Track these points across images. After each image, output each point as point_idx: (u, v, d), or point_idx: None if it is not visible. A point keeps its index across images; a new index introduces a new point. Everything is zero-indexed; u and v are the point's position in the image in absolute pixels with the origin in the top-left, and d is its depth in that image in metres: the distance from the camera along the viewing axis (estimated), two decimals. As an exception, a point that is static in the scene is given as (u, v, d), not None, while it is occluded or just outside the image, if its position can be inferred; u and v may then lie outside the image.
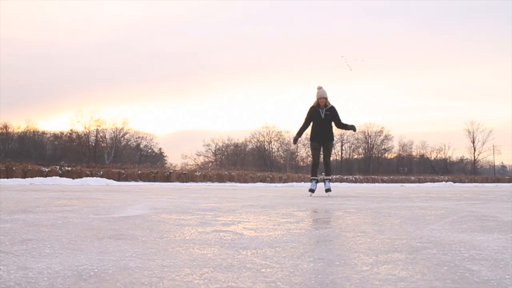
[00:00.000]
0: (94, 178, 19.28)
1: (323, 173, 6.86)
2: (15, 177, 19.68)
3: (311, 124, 6.83)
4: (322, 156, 6.76)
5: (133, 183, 20.86)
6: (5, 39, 54.80)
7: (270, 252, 1.55)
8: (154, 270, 1.25)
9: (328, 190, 6.67)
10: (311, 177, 6.90)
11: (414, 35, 65.84)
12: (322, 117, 6.65)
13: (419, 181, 35.68)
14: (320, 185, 7.03)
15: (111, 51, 61.61)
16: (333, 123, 6.78)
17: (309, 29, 63.48)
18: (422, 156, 56.31)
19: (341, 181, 32.99)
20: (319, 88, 6.86)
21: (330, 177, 6.87)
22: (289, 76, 67.74)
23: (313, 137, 6.78)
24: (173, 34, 63.99)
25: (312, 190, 6.68)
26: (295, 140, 7.06)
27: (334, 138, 6.85)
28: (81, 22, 58.42)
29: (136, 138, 47.60)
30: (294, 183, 23.69)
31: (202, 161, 49.83)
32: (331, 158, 7.08)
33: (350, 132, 7.36)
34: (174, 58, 63.21)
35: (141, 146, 48.67)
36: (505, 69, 66.09)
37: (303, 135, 7.48)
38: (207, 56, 64.69)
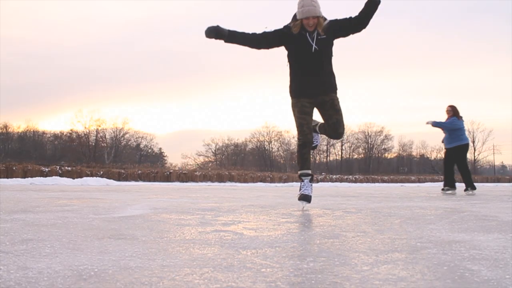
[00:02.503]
0: (94, 178, 19.27)
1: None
2: (15, 177, 19.68)
3: (289, 66, 3.55)
4: (321, 124, 3.68)
5: (133, 183, 20.85)
6: (4, 38, 54.88)
7: (270, 252, 1.55)
8: (154, 270, 1.25)
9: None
10: (300, 172, 3.51)
11: (414, 35, 65.88)
12: (311, 50, 3.39)
13: (419, 181, 35.66)
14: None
15: (111, 51, 61.65)
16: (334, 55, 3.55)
17: (309, 29, 63.42)
18: (422, 156, 56.30)
19: (341, 181, 32.99)
20: None
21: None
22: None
23: (297, 90, 3.53)
24: (173, 34, 64.06)
25: (306, 198, 3.43)
26: (211, 31, 3.31)
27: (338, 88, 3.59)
28: (81, 21, 58.42)
29: (136, 138, 47.67)
30: (294, 183, 23.65)
31: (202, 161, 49.87)
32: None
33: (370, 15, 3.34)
34: (174, 58, 63.24)
35: (141, 146, 48.72)
36: (505, 69, 66.11)
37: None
38: (207, 55, 64.71)
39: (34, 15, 56.32)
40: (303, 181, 3.52)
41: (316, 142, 3.77)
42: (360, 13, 3.50)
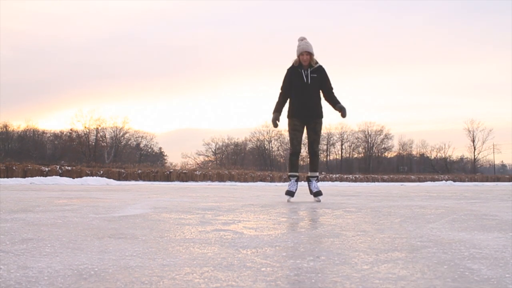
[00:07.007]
0: (94, 177, 19.26)
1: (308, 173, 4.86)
2: (15, 177, 19.71)
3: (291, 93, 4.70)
4: (307, 142, 4.82)
5: (133, 182, 20.86)
6: (4, 34, 54.75)
7: (271, 251, 1.55)
8: (154, 269, 1.25)
9: (317, 193, 4.66)
10: (290, 173, 4.78)
11: (414, 33, 65.90)
12: (306, 82, 4.59)
13: (419, 180, 35.68)
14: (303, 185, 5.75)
15: (110, 47, 61.70)
16: (321, 92, 4.72)
17: (310, 25, 63.48)
18: (422, 155, 56.37)
19: (341, 180, 32.99)
20: (301, 39, 4.70)
21: (316, 175, 4.80)
22: (289, 75, 67.56)
23: (292, 113, 4.67)
24: (172, 31, 64.09)
25: (290, 193, 4.67)
26: (275, 121, 4.72)
27: (324, 115, 4.74)
28: (80, 17, 58.49)
29: (136, 137, 47.69)
30: (294, 182, 23.63)
31: (202, 160, 49.91)
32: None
33: (337, 113, 4.73)
34: (174, 55, 63.28)
35: (141, 145, 48.73)
36: (505, 68, 66.11)
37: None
38: (206, 53, 64.72)
39: (32, 9, 56.30)
40: (290, 180, 4.77)
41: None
42: (332, 98, 4.73)
